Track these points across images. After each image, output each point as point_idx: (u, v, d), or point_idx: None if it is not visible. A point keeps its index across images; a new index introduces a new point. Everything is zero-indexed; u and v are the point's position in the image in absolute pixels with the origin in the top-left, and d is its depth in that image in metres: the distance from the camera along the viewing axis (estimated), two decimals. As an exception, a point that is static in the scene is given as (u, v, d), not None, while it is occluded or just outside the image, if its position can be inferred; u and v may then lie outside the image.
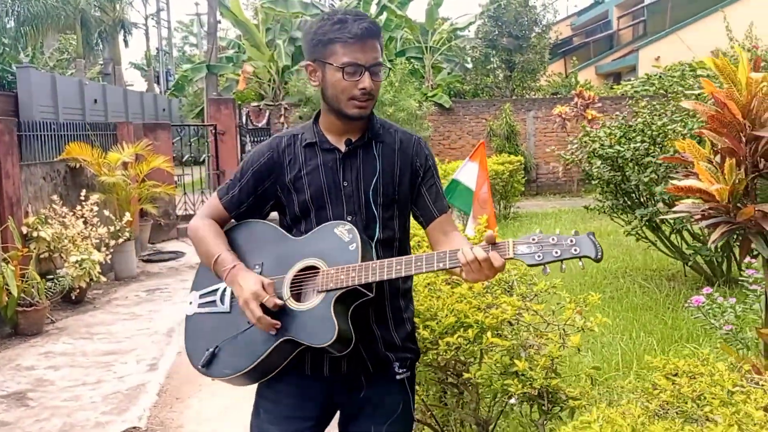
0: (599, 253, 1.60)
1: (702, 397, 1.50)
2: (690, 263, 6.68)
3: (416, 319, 2.13)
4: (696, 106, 3.33)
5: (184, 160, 11.35)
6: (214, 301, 1.97)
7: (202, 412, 4.35)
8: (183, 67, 24.46)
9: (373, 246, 1.89)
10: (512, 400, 1.79)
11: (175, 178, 10.65)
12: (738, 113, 3.09)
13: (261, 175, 1.98)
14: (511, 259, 1.69)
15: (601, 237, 9.13)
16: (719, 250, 6.48)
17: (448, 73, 19.59)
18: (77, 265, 6.56)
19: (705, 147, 3.33)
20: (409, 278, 2.03)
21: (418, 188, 1.99)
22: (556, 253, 1.63)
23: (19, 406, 4.44)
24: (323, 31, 1.89)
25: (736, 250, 6.63)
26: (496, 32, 18.99)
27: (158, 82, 35.41)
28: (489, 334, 1.93)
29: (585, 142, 7.09)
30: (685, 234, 6.71)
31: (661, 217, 4.15)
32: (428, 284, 2.52)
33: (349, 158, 1.94)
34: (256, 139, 13.80)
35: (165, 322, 6.28)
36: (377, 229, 1.93)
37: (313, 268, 1.85)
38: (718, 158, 3.32)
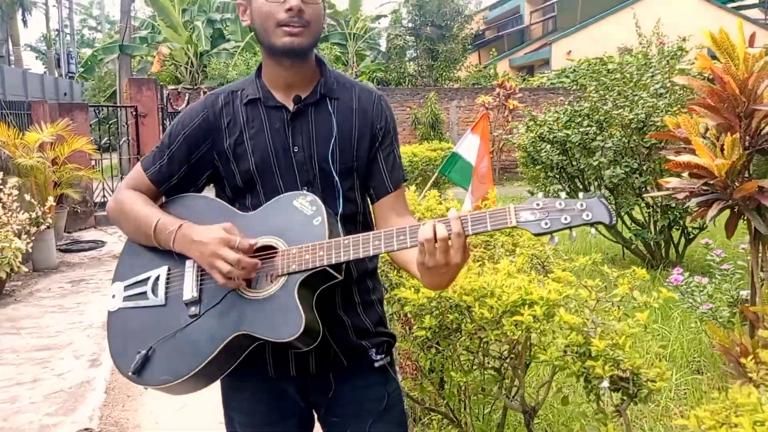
0: (613, 218, 1.37)
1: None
2: (633, 246, 6.81)
3: (467, 297, 1.94)
4: (692, 82, 3.30)
5: (102, 143, 10.64)
6: (144, 293, 1.61)
7: (158, 411, 4.01)
8: (95, 47, 23.15)
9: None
10: (604, 383, 1.62)
11: (93, 163, 9.96)
12: (736, 88, 3.07)
13: (195, 141, 1.64)
14: (514, 227, 1.42)
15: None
16: (660, 233, 6.64)
17: (372, 61, 19.45)
18: (-4, 254, 5.96)
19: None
20: (376, 256, 1.67)
21: (374, 154, 1.69)
22: (566, 219, 1.37)
23: (-55, 410, 3.94)
24: None
25: (675, 234, 6.84)
26: (419, 21, 19.01)
27: (59, 65, 33.39)
28: (561, 310, 1.76)
29: (531, 127, 7.10)
30: (626, 218, 6.84)
31: (648, 195, 4.13)
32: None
33: (298, 118, 1.63)
34: (175, 124, 13.18)
35: (97, 315, 5.80)
36: (339, 203, 1.63)
37: (268, 248, 1.54)
38: (710, 134, 3.32)
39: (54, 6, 36.60)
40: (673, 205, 6.16)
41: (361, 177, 1.68)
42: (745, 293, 3.94)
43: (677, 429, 1.28)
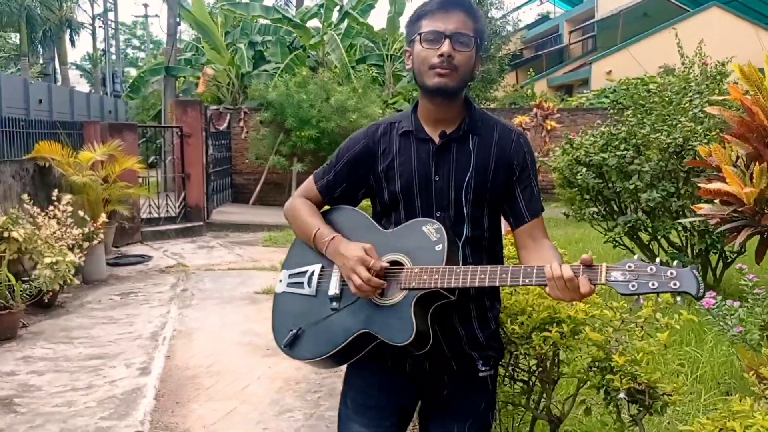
0: (701, 290, 1.48)
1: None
2: (669, 270, 6.82)
3: (502, 315, 2.10)
4: (722, 112, 3.41)
5: (150, 162, 11.03)
6: (302, 283, 1.95)
7: (206, 417, 4.21)
8: (141, 68, 23.88)
9: (461, 244, 1.85)
10: (621, 395, 1.76)
11: (140, 181, 10.35)
12: (765, 119, 3.17)
13: (355, 162, 1.97)
14: (603, 285, 1.60)
15: (570, 244, 9.28)
16: (696, 257, 6.67)
17: (408, 82, 19.68)
18: (51, 267, 6.28)
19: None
20: None
21: (512, 187, 1.92)
22: (653, 285, 1.51)
23: (7, 413, 4.20)
24: (414, 12, 1.88)
25: (713, 258, 6.85)
26: (457, 42, 19.22)
27: (104, 84, 34.49)
28: (587, 329, 1.90)
29: (567, 150, 7.20)
30: (663, 241, 6.88)
31: (683, 220, 4.23)
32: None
33: (442, 151, 1.89)
34: (216, 143, 13.57)
35: (147, 326, 6.08)
36: (465, 227, 1.88)
37: (398, 263, 1.82)
38: (740, 163, 3.42)
39: (100, 27, 37.95)
40: (710, 229, 6.19)
41: (492, 206, 1.93)
42: (776, 317, 4.00)
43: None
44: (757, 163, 3.16)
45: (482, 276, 1.70)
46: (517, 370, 2.40)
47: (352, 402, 2.00)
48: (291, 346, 1.92)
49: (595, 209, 7.23)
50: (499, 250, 2.00)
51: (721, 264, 6.73)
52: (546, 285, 1.66)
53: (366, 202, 2.11)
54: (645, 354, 1.86)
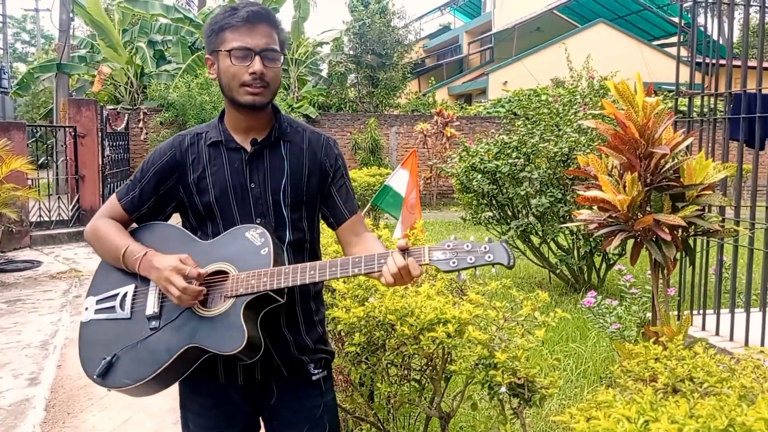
0: (512, 260, 1.61)
1: (692, 379, 1.71)
2: (558, 271, 7.22)
3: (391, 316, 2.21)
4: (598, 125, 3.69)
5: (40, 163, 10.55)
6: (113, 307, 1.85)
7: (99, 427, 4.11)
8: (31, 64, 22.68)
9: (284, 249, 1.86)
10: (502, 389, 1.91)
11: (29, 182, 9.88)
12: (636, 132, 3.46)
13: (163, 174, 1.90)
14: (427, 264, 1.69)
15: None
16: (582, 259, 7.08)
17: (313, 86, 19.73)
18: (-70, 274, 5.93)
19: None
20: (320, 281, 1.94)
21: (328, 189, 1.95)
22: (471, 259, 1.63)
23: None
24: (215, 20, 1.85)
25: (597, 260, 7.30)
26: (360, 49, 19.43)
27: (-10, 80, 32.45)
28: (471, 328, 2.05)
29: (464, 157, 7.47)
30: (552, 244, 7.27)
31: (568, 224, 4.50)
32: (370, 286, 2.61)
33: (255, 159, 1.88)
34: (114, 144, 13.13)
35: (36, 335, 5.84)
36: (287, 232, 1.88)
37: (221, 273, 1.78)
38: (615, 172, 3.71)
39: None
40: (591, 233, 6.60)
41: (309, 209, 1.93)
42: (650, 315, 4.34)
43: (558, 425, 1.58)
44: (630, 173, 3.45)
45: (312, 272, 1.71)
46: (410, 369, 2.52)
47: (193, 425, 1.97)
48: (104, 375, 1.79)
49: (490, 213, 7.56)
50: (320, 254, 2.04)
51: (604, 265, 7.19)
52: (373, 273, 1.70)
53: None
54: (524, 350, 2.02)
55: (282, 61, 1.86)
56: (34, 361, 5.20)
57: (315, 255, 1.98)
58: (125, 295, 1.85)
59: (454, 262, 1.64)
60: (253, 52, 1.77)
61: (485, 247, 1.64)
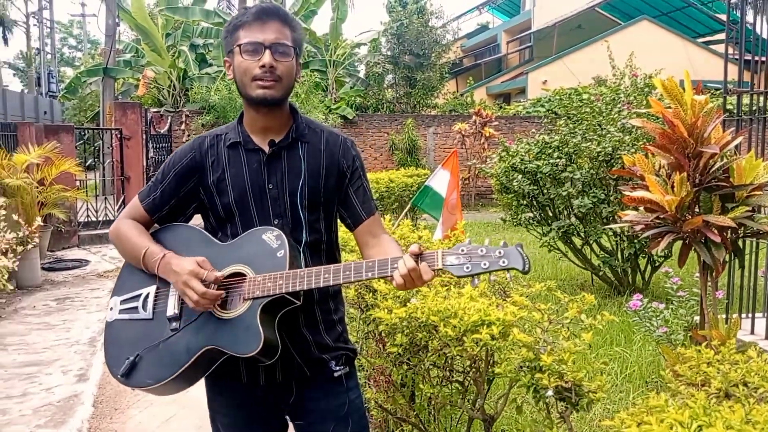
0: (527, 266, 1.58)
1: (746, 384, 1.66)
2: (601, 273, 7.11)
3: (434, 318, 2.20)
4: (645, 124, 3.62)
5: (87, 164, 10.81)
6: (136, 308, 1.88)
7: (145, 423, 4.20)
8: (78, 68, 23.28)
9: (301, 250, 1.86)
10: (549, 393, 1.88)
11: (77, 183, 10.13)
12: (684, 132, 3.38)
13: (183, 177, 1.92)
14: (440, 270, 1.67)
15: (509, 249, 9.52)
16: (626, 261, 6.96)
17: (351, 87, 19.81)
18: (-17, 273, 6.12)
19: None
20: None
21: (345, 190, 1.95)
22: (485, 264, 1.60)
23: (-62, 422, 4.10)
24: (230, 22, 1.89)
25: (641, 262, 7.16)
26: (398, 50, 19.45)
27: (39, 84, 33.40)
28: (515, 330, 2.03)
29: (504, 157, 7.41)
30: (594, 246, 7.16)
31: (612, 226, 4.43)
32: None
33: (273, 160, 1.88)
34: (157, 146, 13.39)
35: (84, 332, 5.98)
36: (304, 233, 1.88)
37: (239, 275, 1.79)
38: (662, 172, 3.63)
39: (35, 25, 36.79)
40: (637, 235, 6.48)
41: (327, 210, 1.93)
42: (697, 318, 4.25)
43: (604, 430, 1.55)
44: (678, 173, 3.38)
45: (326, 276, 1.71)
46: (452, 371, 2.51)
47: (220, 424, 2.00)
48: (128, 375, 1.82)
49: (531, 214, 7.47)
50: (338, 256, 2.03)
51: (649, 267, 7.05)
52: (388, 277, 1.69)
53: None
54: (571, 353, 1.99)
55: (293, 56, 1.84)
56: (82, 357, 5.33)
57: (332, 256, 1.98)
58: (147, 296, 1.88)
59: (467, 267, 1.62)
60: (263, 45, 1.78)
61: (500, 252, 1.61)
